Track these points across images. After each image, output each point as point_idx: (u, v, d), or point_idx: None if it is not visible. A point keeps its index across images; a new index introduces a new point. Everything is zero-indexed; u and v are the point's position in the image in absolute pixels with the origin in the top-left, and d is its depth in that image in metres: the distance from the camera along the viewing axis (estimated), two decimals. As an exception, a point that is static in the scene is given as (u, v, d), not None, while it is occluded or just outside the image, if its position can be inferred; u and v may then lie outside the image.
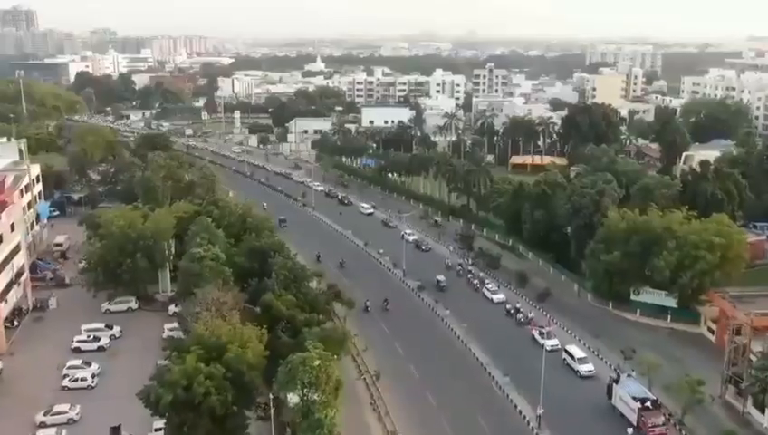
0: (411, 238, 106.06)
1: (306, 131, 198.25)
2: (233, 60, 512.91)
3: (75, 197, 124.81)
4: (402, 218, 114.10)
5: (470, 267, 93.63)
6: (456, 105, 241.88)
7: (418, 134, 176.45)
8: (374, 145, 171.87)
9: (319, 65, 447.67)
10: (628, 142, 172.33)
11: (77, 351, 70.94)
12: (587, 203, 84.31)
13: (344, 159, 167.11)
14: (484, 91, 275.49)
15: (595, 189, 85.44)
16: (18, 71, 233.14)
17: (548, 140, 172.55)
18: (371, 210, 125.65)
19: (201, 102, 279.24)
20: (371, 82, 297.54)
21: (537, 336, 72.14)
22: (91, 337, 72.81)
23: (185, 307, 63.47)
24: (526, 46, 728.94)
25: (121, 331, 75.13)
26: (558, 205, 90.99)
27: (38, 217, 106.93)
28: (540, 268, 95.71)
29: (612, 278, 77.74)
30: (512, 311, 79.21)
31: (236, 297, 63.20)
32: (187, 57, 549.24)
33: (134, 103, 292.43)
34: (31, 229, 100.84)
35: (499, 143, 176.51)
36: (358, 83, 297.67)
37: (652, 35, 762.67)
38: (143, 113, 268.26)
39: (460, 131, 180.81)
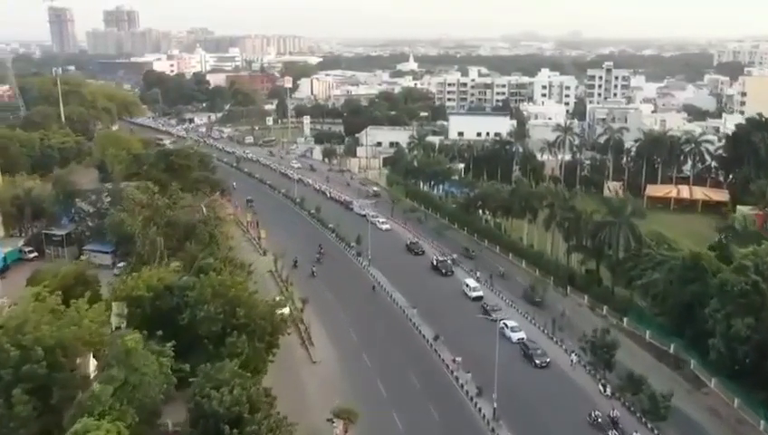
0: (516, 337, 65.75)
1: (380, 143, 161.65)
2: (320, 59, 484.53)
3: (58, 233, 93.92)
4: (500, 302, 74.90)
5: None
6: (567, 112, 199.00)
7: (520, 151, 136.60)
8: (462, 166, 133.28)
9: (411, 65, 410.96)
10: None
11: None
12: None
13: (422, 185, 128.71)
14: (599, 95, 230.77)
15: None
16: (55, 69, 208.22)
17: (699, 165, 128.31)
18: (480, 292, 78.30)
19: (275, 105, 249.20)
20: (465, 84, 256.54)
21: None
22: None
23: None
24: (637, 46, 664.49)
25: None
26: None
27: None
28: (735, 413, 54.76)
29: None
30: None
31: None
32: (276, 56, 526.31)
33: (203, 105, 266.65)
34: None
35: (628, 166, 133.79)
36: (449, 85, 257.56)
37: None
38: (209, 116, 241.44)
39: (575, 149, 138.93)
